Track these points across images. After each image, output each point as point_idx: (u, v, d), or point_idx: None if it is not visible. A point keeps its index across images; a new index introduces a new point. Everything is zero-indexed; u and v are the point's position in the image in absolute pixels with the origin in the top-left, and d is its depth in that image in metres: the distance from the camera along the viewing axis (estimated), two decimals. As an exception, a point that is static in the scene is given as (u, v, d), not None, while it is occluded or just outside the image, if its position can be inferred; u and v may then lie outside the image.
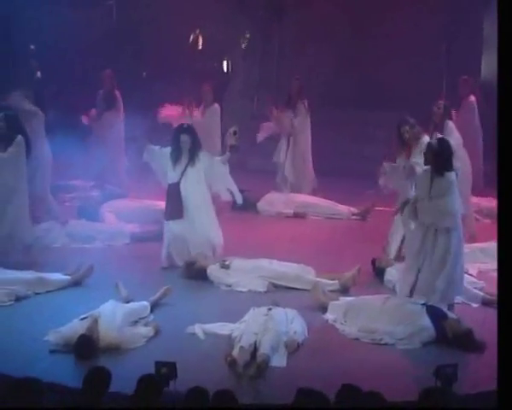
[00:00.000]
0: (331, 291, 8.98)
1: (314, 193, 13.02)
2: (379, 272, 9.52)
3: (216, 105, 12.90)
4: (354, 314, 8.26)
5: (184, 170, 9.85)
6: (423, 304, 8.13)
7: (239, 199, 10.31)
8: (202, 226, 9.87)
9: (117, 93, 13.26)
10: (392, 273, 9.30)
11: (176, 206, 9.82)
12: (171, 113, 12.70)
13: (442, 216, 8.29)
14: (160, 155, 9.98)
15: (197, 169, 9.87)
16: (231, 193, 10.19)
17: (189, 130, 9.98)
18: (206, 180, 9.94)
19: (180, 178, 9.85)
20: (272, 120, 13.16)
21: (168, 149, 9.93)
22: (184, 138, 9.85)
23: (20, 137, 9.68)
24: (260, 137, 13.29)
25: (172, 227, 9.85)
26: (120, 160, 13.29)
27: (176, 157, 9.86)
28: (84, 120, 13.21)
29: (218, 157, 10.16)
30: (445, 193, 8.30)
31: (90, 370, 5.66)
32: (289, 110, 13.04)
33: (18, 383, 5.28)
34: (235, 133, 9.94)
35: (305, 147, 13.19)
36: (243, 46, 17.22)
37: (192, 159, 9.85)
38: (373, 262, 9.67)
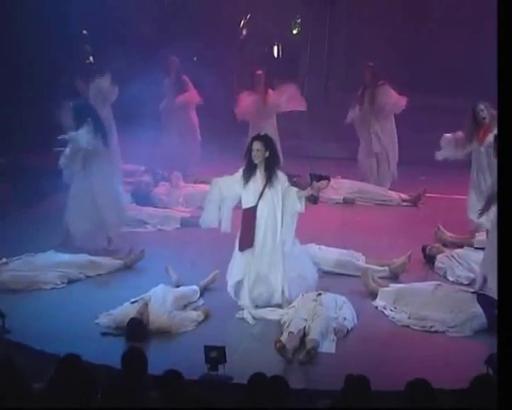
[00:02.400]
0: (381, 278, 8.92)
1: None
2: (429, 260, 9.44)
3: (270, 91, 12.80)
4: (404, 301, 8.21)
5: (262, 191, 8.19)
6: (474, 292, 8.04)
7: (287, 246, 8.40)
8: (264, 265, 8.25)
9: (185, 78, 13.24)
10: (444, 260, 9.23)
11: (249, 233, 8.21)
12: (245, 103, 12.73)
13: None
14: (232, 181, 8.33)
15: (276, 191, 8.18)
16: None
17: (264, 138, 8.29)
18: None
19: (257, 201, 8.21)
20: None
21: (238, 173, 8.35)
22: (257, 146, 8.15)
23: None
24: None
25: (248, 260, 8.29)
26: (195, 146, 13.30)
27: (249, 174, 8.20)
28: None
29: (294, 188, 8.33)
30: None
31: (124, 352, 5.70)
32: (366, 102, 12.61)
33: (60, 360, 5.41)
34: (323, 188, 8.45)
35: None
36: (294, 31, 17.17)
37: (270, 177, 8.17)
38: (423, 249, 9.59)
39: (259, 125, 12.13)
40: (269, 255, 8.23)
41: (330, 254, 9.37)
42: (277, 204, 8.19)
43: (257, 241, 8.21)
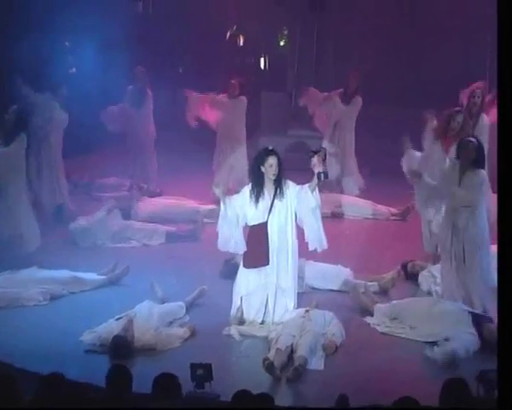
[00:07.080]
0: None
1: (360, 194, 12.73)
2: (411, 277, 9.26)
3: (242, 98, 12.52)
4: (400, 319, 8.11)
5: (272, 205, 8.03)
6: (470, 312, 7.92)
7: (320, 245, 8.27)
8: (283, 278, 8.08)
9: (148, 91, 13.05)
10: (426, 276, 9.08)
11: (261, 250, 7.98)
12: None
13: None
14: (242, 199, 8.08)
15: (286, 201, 7.99)
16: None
17: (277, 153, 8.05)
18: (297, 215, 8.11)
19: (268, 217, 8.03)
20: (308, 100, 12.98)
21: (245, 191, 8.13)
22: (272, 161, 7.91)
23: (23, 135, 9.53)
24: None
25: (249, 277, 8.14)
26: (151, 158, 13.13)
27: (259, 190, 7.98)
28: (104, 118, 12.73)
29: (306, 184, 8.08)
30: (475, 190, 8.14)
31: (109, 369, 5.61)
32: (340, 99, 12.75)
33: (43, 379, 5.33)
34: (324, 159, 8.05)
35: (351, 143, 12.96)
36: (281, 43, 17.14)
37: (280, 190, 7.97)
38: (404, 266, 9.35)
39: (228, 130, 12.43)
40: (285, 269, 8.07)
41: (318, 269, 9.24)
42: (288, 214, 8.02)
43: (270, 257, 8.02)
